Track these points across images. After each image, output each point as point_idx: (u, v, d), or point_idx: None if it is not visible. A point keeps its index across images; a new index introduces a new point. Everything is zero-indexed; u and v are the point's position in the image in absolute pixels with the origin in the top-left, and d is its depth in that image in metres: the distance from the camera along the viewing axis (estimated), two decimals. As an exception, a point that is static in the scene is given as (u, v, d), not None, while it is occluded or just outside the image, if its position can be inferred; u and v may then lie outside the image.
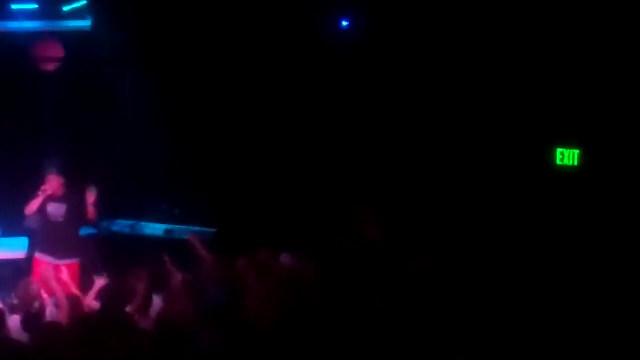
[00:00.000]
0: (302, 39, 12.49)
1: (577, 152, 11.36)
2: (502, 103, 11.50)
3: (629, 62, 10.84)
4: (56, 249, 10.95)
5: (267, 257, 9.52)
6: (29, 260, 11.23)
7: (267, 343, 7.60)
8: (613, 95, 10.99)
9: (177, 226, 13.12)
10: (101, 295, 9.22)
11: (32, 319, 8.20)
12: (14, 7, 12.89)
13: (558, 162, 11.40)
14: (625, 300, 9.15)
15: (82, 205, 10.95)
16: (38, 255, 11.03)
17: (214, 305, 8.13)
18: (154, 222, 13.25)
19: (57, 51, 12.15)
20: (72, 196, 11.04)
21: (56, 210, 10.98)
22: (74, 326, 7.97)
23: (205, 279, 9.21)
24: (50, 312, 8.80)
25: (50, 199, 10.93)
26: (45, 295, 9.10)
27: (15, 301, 9.20)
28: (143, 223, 13.24)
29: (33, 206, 10.85)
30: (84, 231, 12.58)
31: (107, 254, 11.69)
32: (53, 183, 10.92)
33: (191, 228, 12.66)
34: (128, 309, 8.73)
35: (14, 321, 8.31)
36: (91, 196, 10.88)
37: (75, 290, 9.72)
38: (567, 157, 11.37)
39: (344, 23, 12.60)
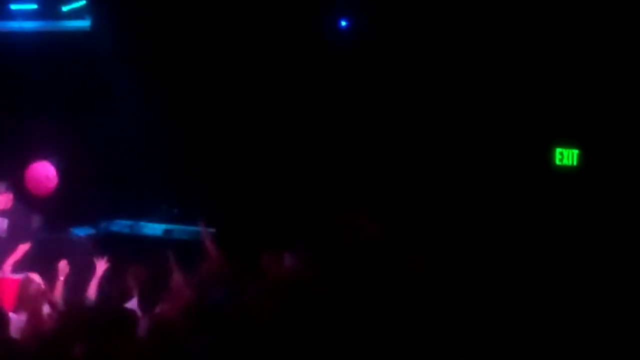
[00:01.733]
0: (301, 39, 12.49)
1: (576, 152, 11.38)
2: (502, 103, 11.50)
3: (628, 62, 10.85)
4: (2, 264, 10.74)
5: (266, 257, 9.52)
6: None
7: (266, 343, 7.60)
8: (612, 96, 11.01)
9: (176, 226, 13.11)
10: (101, 293, 9.23)
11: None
12: (13, 7, 12.90)
13: (557, 162, 11.42)
14: (625, 300, 9.15)
15: (25, 218, 10.78)
16: None
17: (215, 305, 8.13)
18: (153, 222, 13.23)
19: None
20: (15, 210, 10.88)
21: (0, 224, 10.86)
22: (76, 325, 7.95)
23: (206, 278, 9.21)
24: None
25: None
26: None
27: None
28: (142, 223, 13.23)
29: None
30: (82, 231, 12.61)
31: (106, 254, 11.68)
32: (1, 199, 10.78)
33: (190, 228, 12.66)
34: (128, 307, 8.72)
35: (14, 321, 8.29)
36: None
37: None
38: (567, 157, 11.38)
39: (343, 23, 12.60)
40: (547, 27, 11.09)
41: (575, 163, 11.35)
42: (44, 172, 11.32)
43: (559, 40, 11.09)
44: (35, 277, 9.05)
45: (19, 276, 10.60)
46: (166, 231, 13.11)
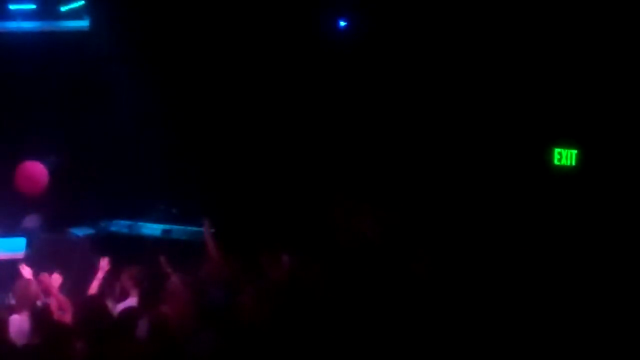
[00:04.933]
0: (300, 39, 12.50)
1: (574, 152, 11.40)
2: (501, 103, 11.52)
3: (627, 63, 10.87)
4: None
5: (266, 257, 9.54)
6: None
7: (265, 342, 7.61)
8: (611, 96, 11.03)
9: (175, 226, 13.11)
10: (100, 294, 9.24)
11: (40, 315, 8.15)
12: (12, 7, 12.89)
13: (556, 162, 11.44)
14: (624, 300, 9.17)
15: None
16: None
17: (214, 305, 8.14)
18: (151, 222, 13.24)
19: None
20: None
21: None
22: (76, 325, 7.97)
23: (206, 278, 9.22)
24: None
25: None
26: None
27: (13, 301, 9.17)
28: (141, 223, 13.23)
29: None
30: (81, 231, 12.61)
31: (104, 254, 11.67)
32: None
33: (189, 228, 12.67)
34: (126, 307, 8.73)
35: (12, 321, 8.30)
36: None
37: None
38: (565, 157, 11.41)
39: (342, 23, 12.62)
40: (546, 28, 11.11)
41: (573, 163, 11.37)
42: (34, 171, 11.19)
43: (559, 40, 11.11)
44: (32, 277, 9.08)
45: None
46: (165, 231, 13.11)
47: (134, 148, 13.33)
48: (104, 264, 9.61)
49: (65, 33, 13.07)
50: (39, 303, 8.73)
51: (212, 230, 10.66)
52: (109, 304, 9.27)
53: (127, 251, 11.82)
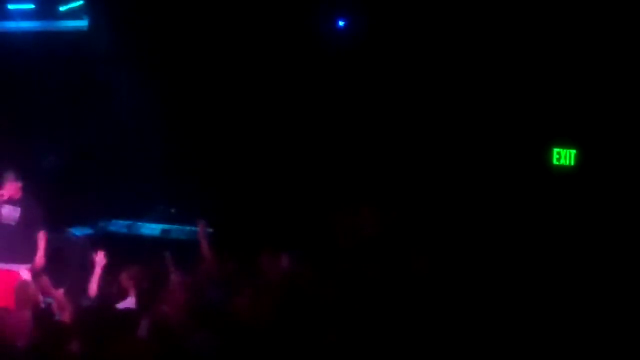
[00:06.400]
0: (299, 39, 12.50)
1: (574, 152, 11.41)
2: (500, 103, 11.53)
3: (626, 63, 10.88)
4: (10, 254, 10.69)
5: (265, 257, 9.53)
6: None
7: (264, 343, 7.61)
8: (610, 96, 11.04)
9: (174, 226, 13.12)
10: (99, 294, 9.24)
11: (43, 315, 8.16)
12: (11, 7, 12.90)
13: (555, 162, 11.45)
14: (624, 299, 9.17)
15: (37, 209, 10.82)
16: None
17: (212, 304, 8.14)
18: (151, 222, 13.25)
19: None
20: (27, 200, 10.87)
21: (10, 213, 10.78)
22: (75, 325, 7.96)
23: (204, 278, 9.22)
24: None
25: (6, 202, 10.74)
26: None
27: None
28: (140, 223, 13.24)
29: None
30: (81, 231, 12.61)
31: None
32: (10, 188, 10.74)
33: (188, 228, 12.68)
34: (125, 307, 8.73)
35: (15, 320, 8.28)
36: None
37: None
38: (564, 157, 11.42)
39: (341, 23, 12.62)
40: (546, 28, 11.12)
41: (573, 163, 11.38)
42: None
43: (558, 40, 11.11)
44: (29, 277, 9.07)
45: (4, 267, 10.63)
46: (164, 231, 13.12)
47: (133, 148, 13.33)
48: (100, 259, 9.60)
49: (64, 33, 13.09)
50: (42, 305, 8.73)
51: (210, 230, 10.68)
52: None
53: (126, 251, 11.83)
